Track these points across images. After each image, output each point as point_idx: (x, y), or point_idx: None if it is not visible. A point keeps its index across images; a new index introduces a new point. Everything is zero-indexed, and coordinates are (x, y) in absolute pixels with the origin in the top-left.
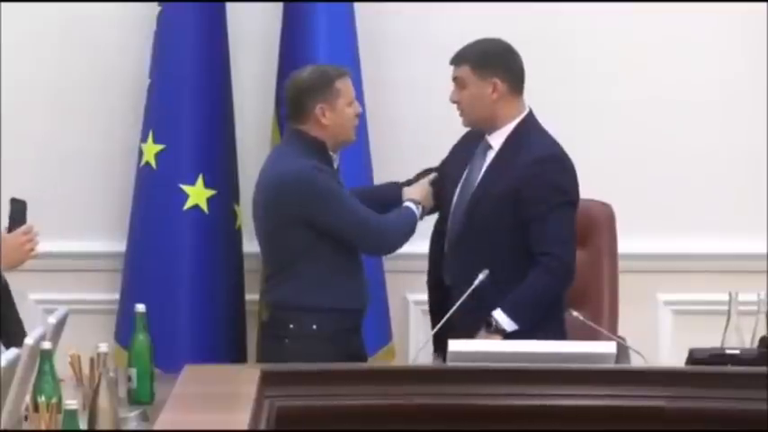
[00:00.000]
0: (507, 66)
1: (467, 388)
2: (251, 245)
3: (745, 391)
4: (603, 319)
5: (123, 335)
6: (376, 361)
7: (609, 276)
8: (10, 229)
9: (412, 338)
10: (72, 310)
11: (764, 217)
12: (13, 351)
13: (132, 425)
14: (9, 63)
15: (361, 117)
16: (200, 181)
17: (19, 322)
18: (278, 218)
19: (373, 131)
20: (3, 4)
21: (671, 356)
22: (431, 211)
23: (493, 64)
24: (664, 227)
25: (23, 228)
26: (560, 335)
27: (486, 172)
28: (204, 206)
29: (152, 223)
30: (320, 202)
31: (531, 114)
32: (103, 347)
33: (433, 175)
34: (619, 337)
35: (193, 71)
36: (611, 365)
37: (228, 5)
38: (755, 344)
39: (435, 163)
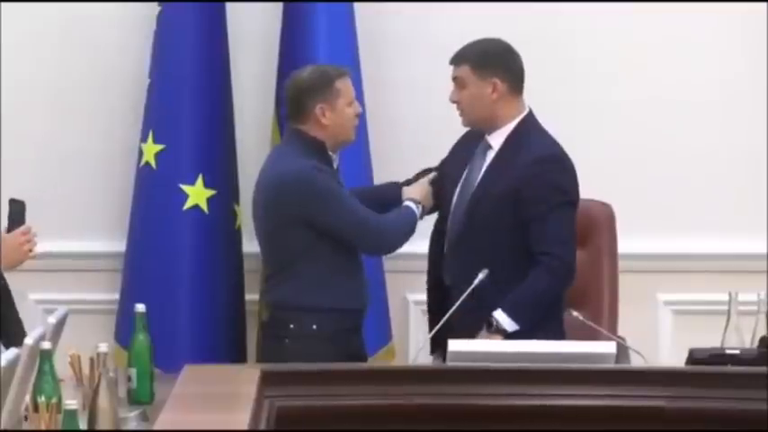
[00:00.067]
0: (507, 66)
1: (467, 388)
2: (251, 245)
3: (745, 391)
4: (603, 319)
5: (123, 335)
6: (376, 361)
7: (609, 276)
8: (9, 230)
9: (412, 338)
10: (72, 310)
11: (764, 217)
12: (13, 351)
13: (132, 425)
14: (9, 63)
15: (361, 117)
16: (199, 181)
17: (19, 322)
18: (278, 218)
19: (373, 131)
20: (3, 4)
21: (671, 356)
22: (430, 211)
23: (493, 64)
24: (664, 227)
25: (22, 228)
26: (560, 335)
27: (485, 172)
28: (204, 206)
29: (152, 223)
30: (320, 202)
31: (530, 114)
32: (103, 347)
33: (432, 175)
34: (619, 337)
35: (193, 71)
36: (611, 365)
37: (228, 5)
38: (755, 344)
39: (435, 163)
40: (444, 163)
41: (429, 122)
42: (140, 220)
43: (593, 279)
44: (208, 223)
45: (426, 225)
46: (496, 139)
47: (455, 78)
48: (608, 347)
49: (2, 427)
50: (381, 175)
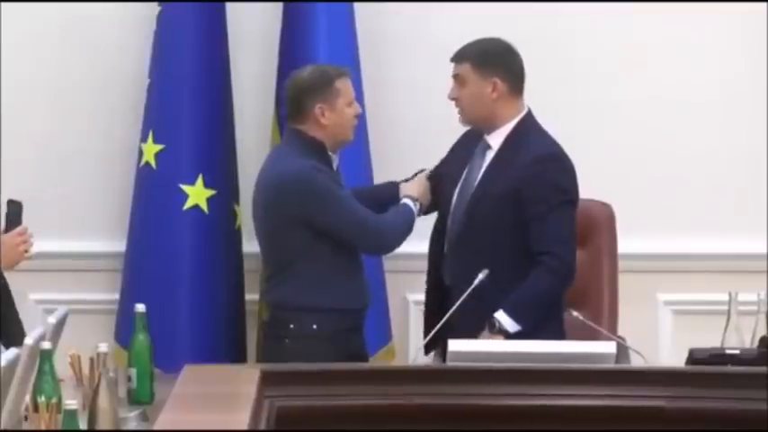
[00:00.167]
0: (508, 65)
1: (467, 388)
2: (251, 245)
3: (745, 391)
4: (603, 319)
5: (123, 335)
6: (376, 361)
7: (609, 276)
8: (6, 230)
9: (412, 338)
10: (72, 310)
11: (764, 217)
12: (13, 351)
13: (132, 425)
14: (9, 63)
15: (361, 117)
16: (199, 181)
17: (18, 323)
18: (277, 218)
19: (373, 131)
20: (3, 4)
21: (671, 356)
22: (429, 210)
23: (494, 63)
24: (664, 227)
25: (18, 229)
26: (560, 335)
27: (485, 172)
28: (204, 206)
29: (152, 223)
30: (319, 202)
31: (529, 114)
32: (103, 347)
33: (428, 171)
34: (619, 337)
35: (193, 71)
36: (611, 365)
37: (228, 5)
38: (755, 344)
39: (435, 163)
40: (444, 163)
41: (429, 122)
42: (140, 220)
43: (593, 279)
44: (208, 223)
45: (426, 225)
46: (496, 139)
47: (455, 76)
48: (608, 347)
49: (2, 427)
50: (381, 175)
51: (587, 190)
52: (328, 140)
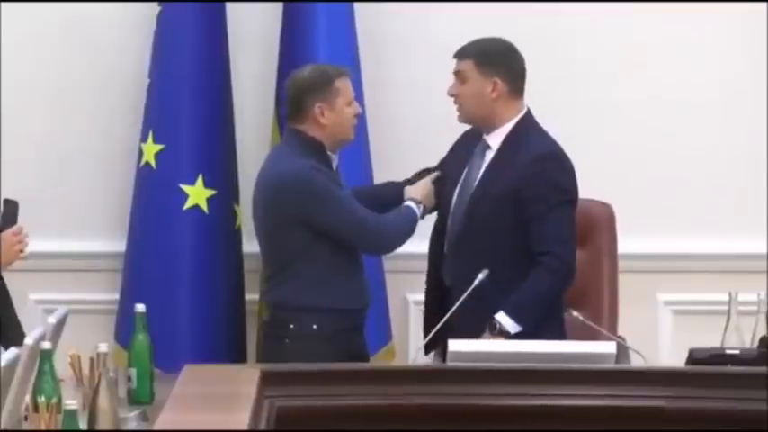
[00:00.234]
0: (509, 65)
1: (467, 388)
2: (251, 245)
3: (745, 391)
4: (603, 319)
5: (123, 335)
6: (376, 361)
7: (609, 276)
8: (1, 229)
9: (412, 338)
10: (72, 310)
11: (764, 217)
12: (13, 351)
13: (132, 425)
14: (9, 63)
15: (361, 117)
16: (199, 181)
17: (17, 324)
18: (277, 218)
19: (373, 131)
20: (3, 4)
21: (671, 356)
22: (430, 210)
23: (495, 62)
24: (664, 227)
25: (14, 228)
26: (561, 335)
27: (485, 172)
28: (204, 206)
29: (152, 223)
30: (318, 202)
31: (528, 114)
32: (103, 347)
33: (434, 174)
34: (619, 337)
35: (193, 71)
36: (611, 365)
37: (228, 5)
38: (755, 344)
39: (435, 163)
40: (443, 163)
41: (429, 122)
42: (140, 220)
43: (593, 279)
44: (208, 223)
45: (426, 225)
46: (495, 139)
47: (457, 72)
48: (608, 347)
49: (2, 427)
50: (381, 175)
51: (587, 190)
52: (328, 140)
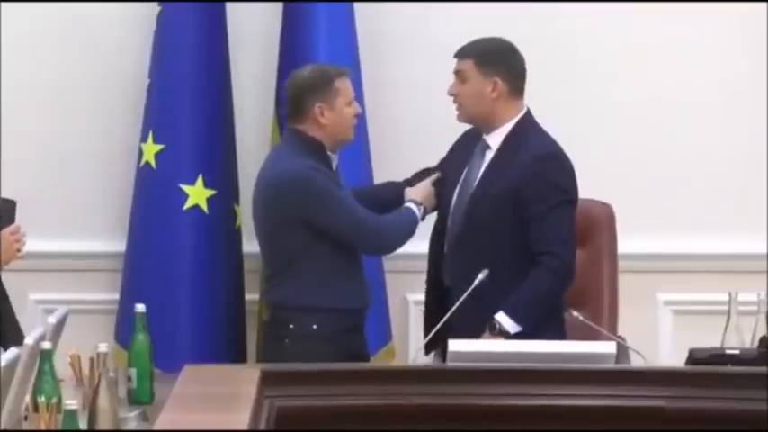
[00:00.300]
0: (510, 66)
1: (467, 388)
2: (251, 245)
3: (745, 391)
4: (603, 319)
5: (123, 335)
6: (376, 361)
7: (609, 276)
8: None
9: (412, 338)
10: (72, 310)
11: (764, 217)
12: (12, 351)
13: (132, 425)
14: (9, 63)
15: (361, 117)
16: (199, 181)
17: (16, 325)
18: (277, 218)
19: (373, 131)
20: (3, 4)
21: (671, 356)
22: (431, 210)
23: (496, 62)
24: (664, 227)
25: (11, 227)
26: (561, 335)
27: (484, 172)
28: (204, 206)
29: (152, 223)
30: (318, 202)
31: (528, 114)
32: (103, 347)
33: (435, 176)
34: (619, 337)
35: (193, 71)
36: (611, 365)
37: (228, 5)
38: (755, 344)
39: (435, 163)
40: (443, 163)
41: (429, 122)
42: (140, 220)
43: (593, 279)
44: (208, 223)
45: (426, 225)
46: (495, 140)
47: (457, 72)
48: (608, 347)
49: (2, 427)
50: (381, 175)
51: (587, 190)
52: (327, 140)
